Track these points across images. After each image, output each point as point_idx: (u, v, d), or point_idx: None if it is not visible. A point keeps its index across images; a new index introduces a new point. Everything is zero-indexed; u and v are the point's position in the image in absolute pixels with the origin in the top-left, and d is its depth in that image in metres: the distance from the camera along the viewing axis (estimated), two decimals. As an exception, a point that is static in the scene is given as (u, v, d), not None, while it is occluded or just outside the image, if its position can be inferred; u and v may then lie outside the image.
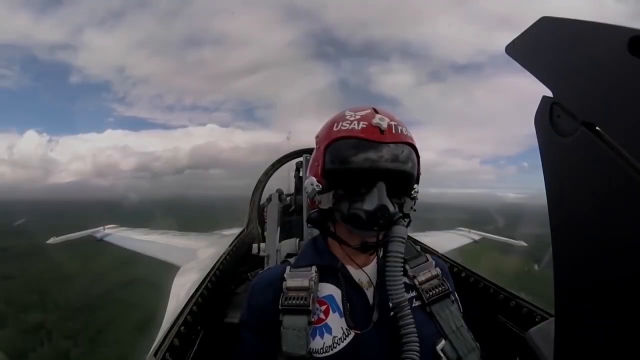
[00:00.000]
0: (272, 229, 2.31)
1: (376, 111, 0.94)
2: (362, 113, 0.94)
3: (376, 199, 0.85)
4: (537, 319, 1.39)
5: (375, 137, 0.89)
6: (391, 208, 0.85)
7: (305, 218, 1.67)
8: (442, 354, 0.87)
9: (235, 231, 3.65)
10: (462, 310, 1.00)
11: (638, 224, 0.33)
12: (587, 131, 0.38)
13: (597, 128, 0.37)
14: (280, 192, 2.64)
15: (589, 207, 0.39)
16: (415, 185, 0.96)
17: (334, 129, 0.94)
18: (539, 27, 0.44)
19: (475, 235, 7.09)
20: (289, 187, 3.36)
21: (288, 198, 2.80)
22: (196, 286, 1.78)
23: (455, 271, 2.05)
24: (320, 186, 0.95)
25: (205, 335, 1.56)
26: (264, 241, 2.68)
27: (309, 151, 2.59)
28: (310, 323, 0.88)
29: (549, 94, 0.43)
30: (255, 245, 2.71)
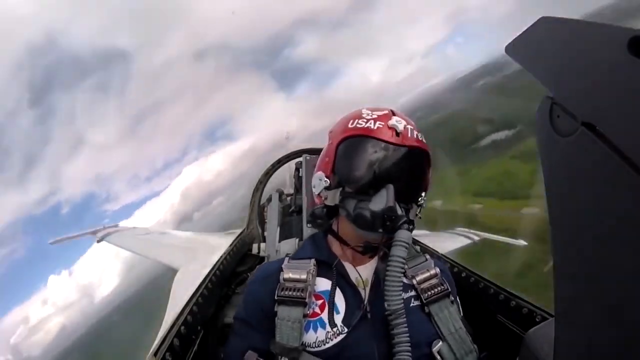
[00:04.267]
0: (272, 229, 2.31)
1: (394, 113, 0.93)
2: (380, 113, 0.93)
3: (384, 200, 0.83)
4: (537, 319, 1.39)
5: (390, 138, 0.88)
6: (398, 211, 0.84)
7: (305, 218, 1.67)
8: (437, 356, 0.86)
9: (235, 231, 3.65)
10: (462, 313, 0.99)
11: (639, 223, 0.33)
12: (587, 131, 0.38)
13: (597, 128, 0.37)
14: (280, 192, 2.64)
15: (589, 207, 0.39)
16: (423, 193, 0.95)
17: (349, 125, 0.93)
18: (538, 27, 0.44)
19: (475, 235, 7.08)
20: (289, 187, 3.36)
21: (288, 198, 2.80)
22: (196, 286, 1.78)
23: (455, 271, 2.05)
24: (329, 182, 0.94)
25: (205, 335, 1.56)
26: (264, 241, 2.68)
27: (308, 151, 2.59)
28: (305, 315, 0.87)
29: (549, 94, 0.43)
30: (255, 245, 2.71)
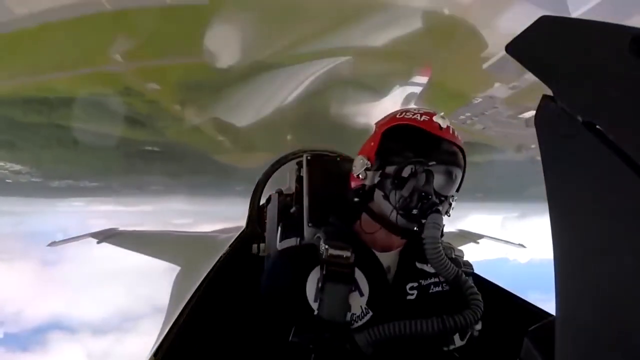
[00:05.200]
0: (272, 229, 2.31)
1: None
2: (426, 110, 1.00)
3: (422, 182, 0.89)
4: (537, 319, 1.39)
5: (434, 130, 0.93)
6: (433, 196, 0.89)
7: (305, 218, 1.67)
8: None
9: (235, 231, 3.66)
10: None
11: None
12: (588, 131, 0.38)
13: (598, 128, 0.37)
14: (279, 192, 2.64)
15: (590, 208, 0.39)
16: (455, 191, 0.99)
17: (397, 116, 1.00)
18: (539, 26, 0.44)
19: (475, 236, 7.11)
20: (289, 187, 3.36)
21: (288, 198, 2.80)
22: (196, 286, 1.78)
23: None
24: (370, 164, 0.99)
25: (205, 335, 1.57)
26: (264, 241, 2.68)
27: (309, 151, 2.59)
28: (350, 292, 0.91)
29: (549, 93, 0.43)
30: (255, 246, 2.72)
